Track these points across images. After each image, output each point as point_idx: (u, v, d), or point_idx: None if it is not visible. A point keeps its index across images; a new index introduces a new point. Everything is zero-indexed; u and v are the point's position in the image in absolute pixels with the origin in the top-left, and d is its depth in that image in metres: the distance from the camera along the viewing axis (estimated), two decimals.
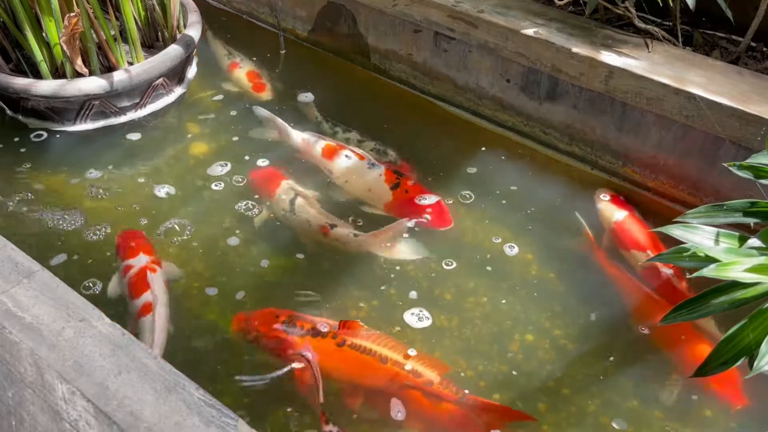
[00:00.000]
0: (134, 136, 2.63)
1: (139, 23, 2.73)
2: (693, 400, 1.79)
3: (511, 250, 2.19)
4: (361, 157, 2.44)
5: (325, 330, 1.86)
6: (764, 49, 2.40)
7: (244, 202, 2.34)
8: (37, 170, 2.47)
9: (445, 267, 2.13)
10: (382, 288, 2.06)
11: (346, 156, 2.43)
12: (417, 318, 1.97)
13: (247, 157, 2.53)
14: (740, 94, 2.08)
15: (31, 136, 2.60)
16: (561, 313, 2.01)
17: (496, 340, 1.93)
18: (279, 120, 2.58)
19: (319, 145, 2.50)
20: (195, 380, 1.35)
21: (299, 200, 2.27)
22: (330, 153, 2.46)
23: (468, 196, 2.38)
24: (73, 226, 2.24)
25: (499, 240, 2.21)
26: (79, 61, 2.50)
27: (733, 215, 1.43)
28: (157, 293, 1.94)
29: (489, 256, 2.17)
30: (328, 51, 3.13)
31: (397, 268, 2.12)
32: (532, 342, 1.93)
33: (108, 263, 2.11)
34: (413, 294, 2.04)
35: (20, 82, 2.50)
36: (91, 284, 2.05)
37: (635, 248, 2.12)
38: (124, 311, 1.95)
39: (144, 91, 2.65)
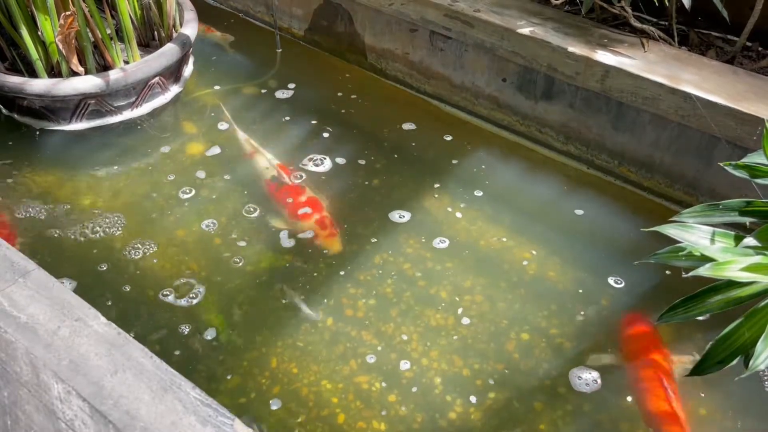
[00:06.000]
0: (130, 136, 2.62)
1: (135, 22, 2.73)
2: None
3: (506, 248, 2.20)
4: None
5: None
6: (760, 48, 2.41)
7: (244, 203, 2.34)
8: (33, 169, 2.46)
9: (444, 265, 2.14)
10: None
11: None
12: None
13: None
14: (736, 94, 2.08)
15: (27, 135, 2.59)
16: (557, 312, 2.02)
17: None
18: None
19: None
20: (191, 379, 1.35)
21: None
22: None
23: (464, 196, 2.38)
24: (68, 226, 2.23)
25: (495, 239, 2.22)
26: (74, 60, 2.49)
27: (729, 214, 1.44)
28: None
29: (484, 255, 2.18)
30: (324, 50, 3.13)
31: None
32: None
33: (96, 262, 2.11)
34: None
35: (14, 80, 2.48)
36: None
37: None
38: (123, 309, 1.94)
39: (140, 90, 2.64)
